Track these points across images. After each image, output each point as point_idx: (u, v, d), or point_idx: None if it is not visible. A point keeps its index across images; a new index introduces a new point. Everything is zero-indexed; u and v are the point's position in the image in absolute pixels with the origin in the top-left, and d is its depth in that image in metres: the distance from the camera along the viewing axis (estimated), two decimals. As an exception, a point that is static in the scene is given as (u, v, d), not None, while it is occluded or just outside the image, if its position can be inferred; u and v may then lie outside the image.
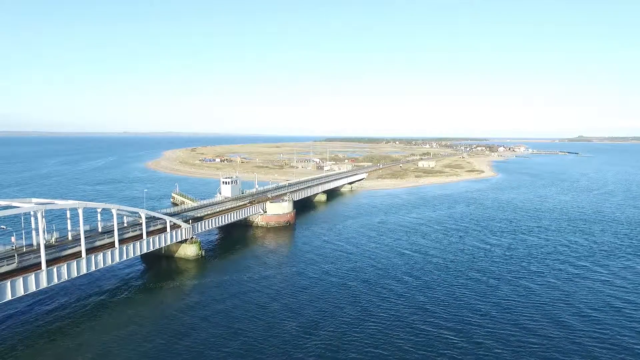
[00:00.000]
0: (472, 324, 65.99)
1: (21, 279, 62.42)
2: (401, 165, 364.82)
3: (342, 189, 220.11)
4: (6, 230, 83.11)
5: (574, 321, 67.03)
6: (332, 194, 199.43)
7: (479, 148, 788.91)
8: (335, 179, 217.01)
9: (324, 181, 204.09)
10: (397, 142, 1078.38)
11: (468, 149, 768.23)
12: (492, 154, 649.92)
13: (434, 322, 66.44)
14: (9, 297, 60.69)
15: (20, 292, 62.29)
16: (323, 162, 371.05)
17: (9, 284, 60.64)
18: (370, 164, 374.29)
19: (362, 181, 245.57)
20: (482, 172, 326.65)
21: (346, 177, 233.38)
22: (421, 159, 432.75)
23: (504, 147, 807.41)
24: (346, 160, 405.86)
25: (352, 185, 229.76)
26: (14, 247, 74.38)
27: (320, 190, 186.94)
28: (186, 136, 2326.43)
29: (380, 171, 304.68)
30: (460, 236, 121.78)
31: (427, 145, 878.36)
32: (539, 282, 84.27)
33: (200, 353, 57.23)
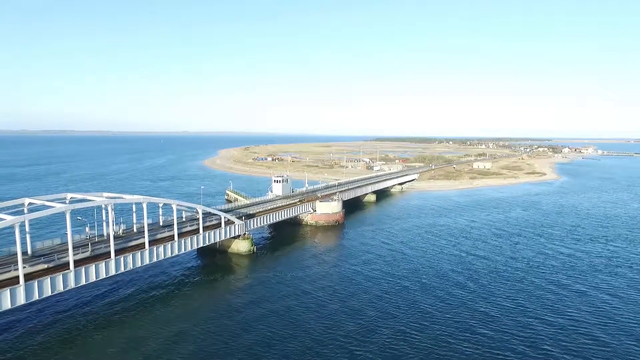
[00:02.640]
0: (541, 334, 63.03)
1: (94, 266, 68.52)
2: (454, 166, 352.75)
3: (392, 190, 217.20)
4: (81, 220, 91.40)
5: (645, 339, 61.72)
6: (381, 195, 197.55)
7: (540, 149, 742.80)
8: (385, 179, 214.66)
9: (373, 181, 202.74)
10: (450, 142, 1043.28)
11: (528, 149, 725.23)
12: (556, 155, 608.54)
13: (498, 329, 64.34)
14: (83, 282, 66.85)
15: (93, 278, 68.35)
16: (373, 162, 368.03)
17: (83, 270, 66.82)
18: (421, 164, 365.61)
19: (413, 182, 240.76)
20: (544, 174, 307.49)
21: (396, 177, 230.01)
22: (476, 160, 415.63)
23: (569, 147, 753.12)
24: (397, 161, 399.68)
25: (403, 186, 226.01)
26: (87, 237, 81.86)
27: (369, 191, 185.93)
28: (240, 135, 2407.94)
29: (432, 172, 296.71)
30: (515, 242, 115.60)
31: (483, 146, 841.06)
32: (607, 294, 78.34)
33: (256, 350, 58.40)
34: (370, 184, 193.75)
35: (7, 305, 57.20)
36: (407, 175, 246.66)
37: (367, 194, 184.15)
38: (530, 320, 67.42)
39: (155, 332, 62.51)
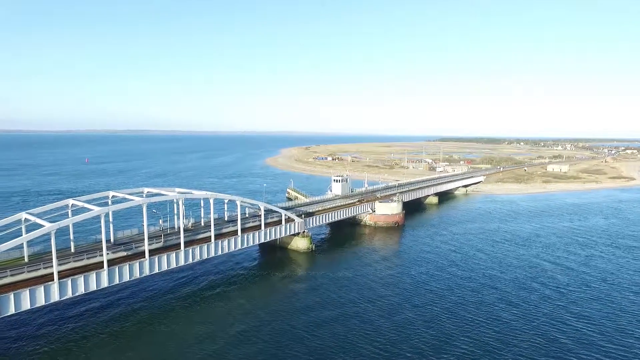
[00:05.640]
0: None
1: (165, 255, 73.96)
2: (526, 168, 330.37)
3: (456, 192, 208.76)
4: (155, 213, 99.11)
5: None
6: (444, 197, 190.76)
7: (628, 151, 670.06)
8: (449, 181, 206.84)
9: (435, 183, 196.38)
10: (521, 143, 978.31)
11: (613, 151, 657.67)
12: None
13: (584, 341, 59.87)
14: (156, 270, 72.47)
15: (164, 267, 73.82)
16: (436, 163, 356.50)
17: (157, 259, 72.40)
18: (488, 166, 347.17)
19: (478, 184, 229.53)
20: (632, 179, 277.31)
21: (461, 179, 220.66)
22: (551, 162, 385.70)
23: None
24: (461, 162, 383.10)
25: (468, 188, 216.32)
26: (161, 229, 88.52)
27: (431, 192, 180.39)
28: (301, 135, 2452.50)
29: (501, 174, 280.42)
30: (587, 255, 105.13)
31: (559, 147, 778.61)
32: None
33: (316, 349, 59.26)
34: (432, 185, 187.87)
35: (93, 287, 63.75)
36: (472, 177, 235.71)
37: (428, 195, 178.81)
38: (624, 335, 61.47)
39: (219, 328, 64.88)
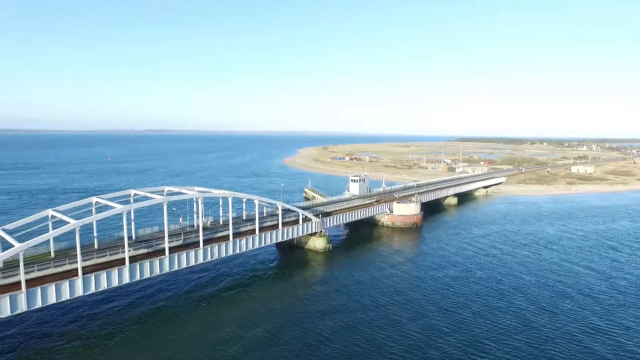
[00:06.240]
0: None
1: (185, 253, 75.06)
2: (549, 169, 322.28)
3: (476, 193, 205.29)
4: (175, 212, 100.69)
5: None
6: (464, 198, 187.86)
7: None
8: (468, 182, 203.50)
9: (455, 183, 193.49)
10: (544, 144, 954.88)
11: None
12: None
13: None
14: (176, 267, 73.63)
15: (184, 264, 74.89)
16: (455, 164, 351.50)
17: (176, 256, 73.57)
18: (510, 166, 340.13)
19: (499, 185, 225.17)
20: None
21: (481, 180, 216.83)
22: (575, 163, 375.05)
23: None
24: (481, 162, 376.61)
25: (488, 189, 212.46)
26: (180, 227, 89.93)
27: (450, 193, 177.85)
28: (319, 135, 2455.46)
29: (522, 175, 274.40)
30: (616, 259, 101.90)
31: (585, 148, 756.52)
32: None
33: (334, 346, 59.47)
34: (452, 186, 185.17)
35: (115, 283, 65.24)
36: (492, 178, 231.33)
37: (447, 196, 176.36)
38: None
39: (238, 328, 65.37)
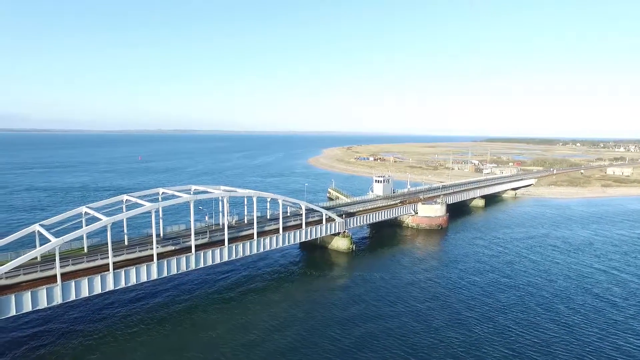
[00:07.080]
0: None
1: (210, 251, 76.53)
2: (582, 171, 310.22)
3: (504, 195, 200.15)
4: (202, 210, 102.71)
5: None
6: (491, 200, 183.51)
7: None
8: (496, 184, 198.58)
9: (482, 185, 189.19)
10: (577, 144, 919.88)
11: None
12: None
13: None
14: (202, 264, 75.18)
15: (209, 262, 76.39)
16: (482, 165, 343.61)
17: (202, 254, 75.14)
18: (540, 168, 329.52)
19: (529, 187, 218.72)
20: None
21: (509, 182, 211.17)
22: (611, 165, 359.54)
23: None
24: (510, 164, 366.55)
25: (517, 191, 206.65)
26: (206, 225, 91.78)
27: (477, 195, 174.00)
28: (344, 135, 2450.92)
29: (554, 177, 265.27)
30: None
31: (622, 149, 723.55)
32: None
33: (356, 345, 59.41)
34: (479, 187, 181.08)
35: (143, 278, 67.26)
36: (522, 179, 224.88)
37: (474, 198, 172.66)
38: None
39: (261, 333, 65.68)
